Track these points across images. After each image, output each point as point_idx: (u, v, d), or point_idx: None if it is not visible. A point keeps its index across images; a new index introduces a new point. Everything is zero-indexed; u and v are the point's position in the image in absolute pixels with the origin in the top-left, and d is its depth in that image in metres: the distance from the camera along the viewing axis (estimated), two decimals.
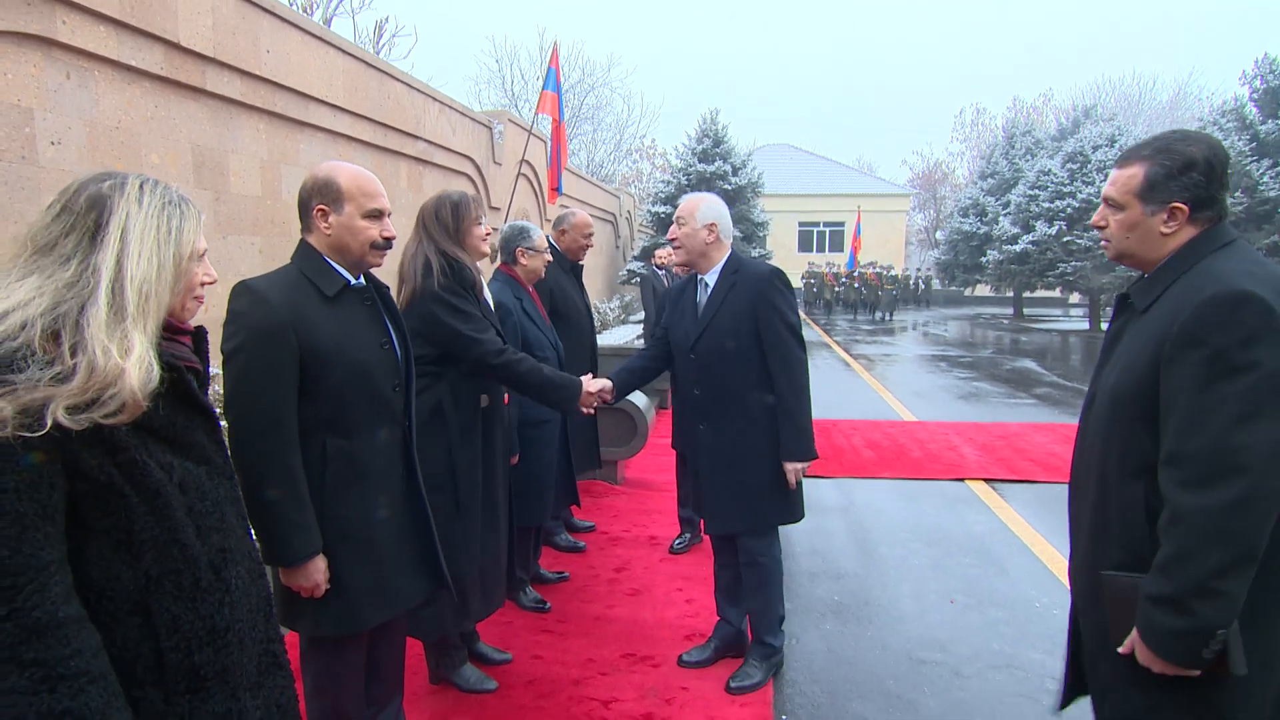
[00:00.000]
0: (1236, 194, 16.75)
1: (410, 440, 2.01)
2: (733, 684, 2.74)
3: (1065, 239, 18.70)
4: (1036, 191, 20.62)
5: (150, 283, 1.12)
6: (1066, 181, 19.77)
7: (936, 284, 29.80)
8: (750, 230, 20.10)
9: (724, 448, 2.71)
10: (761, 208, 20.85)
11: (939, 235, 33.88)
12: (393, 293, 2.13)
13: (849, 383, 10.22)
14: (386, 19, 25.29)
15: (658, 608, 3.41)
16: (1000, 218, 22.75)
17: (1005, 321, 21.86)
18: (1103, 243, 1.59)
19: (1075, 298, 25.85)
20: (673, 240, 2.82)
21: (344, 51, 5.56)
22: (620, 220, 18.95)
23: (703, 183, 19.32)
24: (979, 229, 24.98)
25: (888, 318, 21.59)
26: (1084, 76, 63.64)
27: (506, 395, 2.80)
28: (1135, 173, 1.47)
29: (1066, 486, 1.66)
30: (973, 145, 41.31)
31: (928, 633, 3.22)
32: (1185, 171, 1.43)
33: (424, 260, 2.45)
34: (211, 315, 1.92)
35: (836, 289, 23.56)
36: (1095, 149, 19.34)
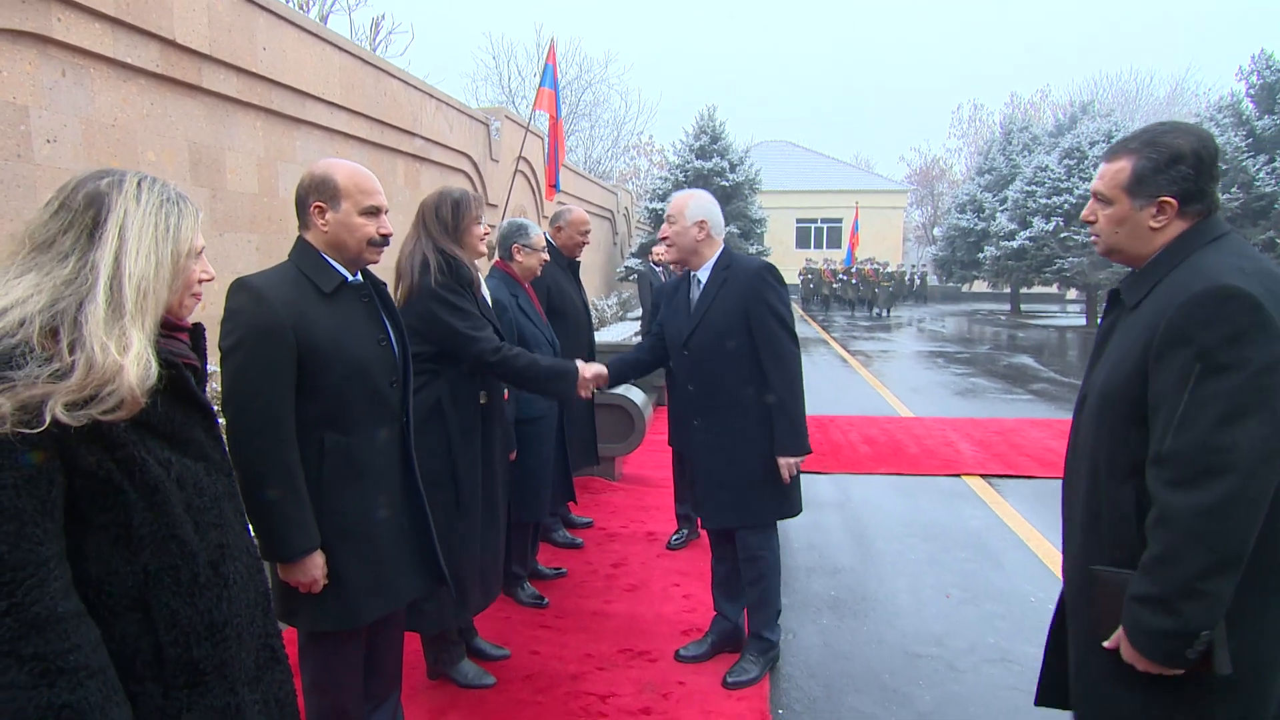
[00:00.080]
0: (1233, 189, 16.77)
1: (408, 437, 2.01)
2: (729, 679, 2.75)
3: (1062, 235, 18.72)
4: (1034, 187, 20.64)
5: (148, 280, 1.13)
6: (1064, 177, 19.80)
7: (934, 280, 29.82)
8: (748, 227, 20.10)
9: (719, 443, 2.73)
10: (759, 204, 20.85)
11: (936, 231, 33.89)
12: (390, 289, 2.14)
13: (846, 379, 10.24)
14: (383, 16, 25.28)
15: (655, 603, 3.42)
16: (997, 214, 22.77)
17: (1002, 317, 21.88)
18: (1092, 238, 1.56)
19: (1072, 293, 25.92)
20: (664, 239, 2.83)
21: (340, 49, 5.55)
22: (618, 217, 18.93)
23: (700, 179, 19.32)
24: (976, 225, 25.00)
25: (885, 314, 21.60)
26: (1082, 73, 63.69)
27: (506, 392, 2.81)
28: (1123, 166, 1.45)
29: (1061, 483, 1.66)
30: (970, 141, 41.32)
31: (923, 627, 3.24)
32: (1173, 164, 1.40)
33: (421, 257, 2.46)
34: (209, 313, 1.93)
35: (834, 285, 23.56)
36: (1092, 145, 19.35)
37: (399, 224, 1.94)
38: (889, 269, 23.64)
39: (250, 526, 1.43)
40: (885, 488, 5.25)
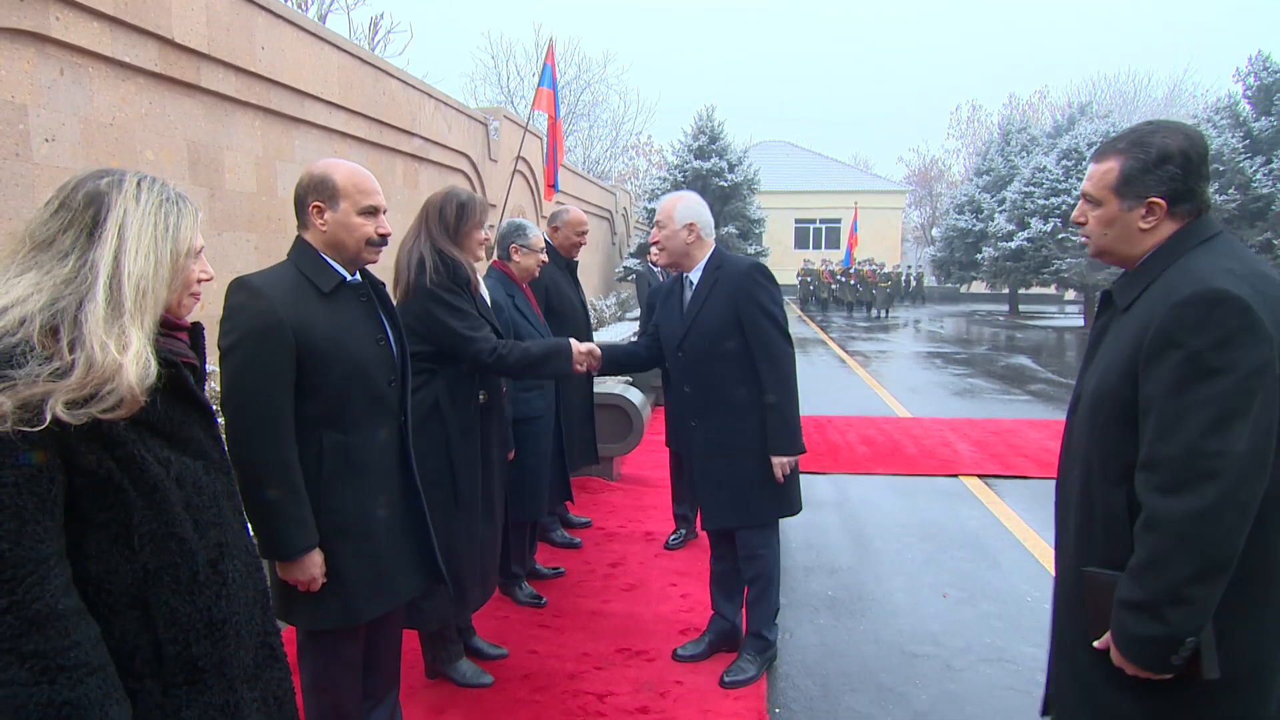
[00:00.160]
0: (1230, 191, 16.81)
1: (406, 436, 2.02)
2: (726, 678, 2.76)
3: (1060, 236, 18.75)
4: (1032, 188, 20.68)
5: (147, 279, 1.13)
6: (1061, 178, 19.84)
7: (932, 280, 29.85)
8: (746, 227, 20.11)
9: (716, 443, 2.73)
10: (758, 204, 20.86)
11: (935, 232, 33.95)
12: (389, 287, 2.14)
13: (844, 379, 10.25)
14: (382, 15, 25.27)
15: (653, 603, 3.43)
16: (995, 215, 22.80)
17: (1001, 318, 21.91)
18: (1083, 239, 1.54)
19: (1070, 294, 25.94)
20: (654, 243, 2.83)
21: (339, 48, 5.55)
22: (616, 217, 18.94)
23: (699, 179, 19.32)
24: (974, 226, 25.03)
25: (883, 315, 21.62)
26: (1080, 74, 63.81)
27: (505, 389, 2.82)
28: (1111, 167, 1.43)
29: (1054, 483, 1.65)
30: (969, 142, 41.37)
31: (920, 626, 3.25)
32: (1161, 165, 1.38)
33: (419, 256, 2.46)
34: (208, 312, 1.93)
35: (833, 286, 23.57)
36: (1090, 146, 19.39)
37: (397, 223, 1.95)
38: (885, 269, 23.66)
39: (249, 525, 1.44)
40: (883, 488, 5.26)
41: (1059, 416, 7.57)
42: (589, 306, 4.38)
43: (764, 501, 2.74)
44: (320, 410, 1.82)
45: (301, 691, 1.91)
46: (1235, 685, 1.31)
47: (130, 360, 1.06)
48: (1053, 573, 1.64)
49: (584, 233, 4.08)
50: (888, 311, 22.24)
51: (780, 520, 2.84)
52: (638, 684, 2.76)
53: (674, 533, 4.18)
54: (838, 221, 32.08)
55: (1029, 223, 20.11)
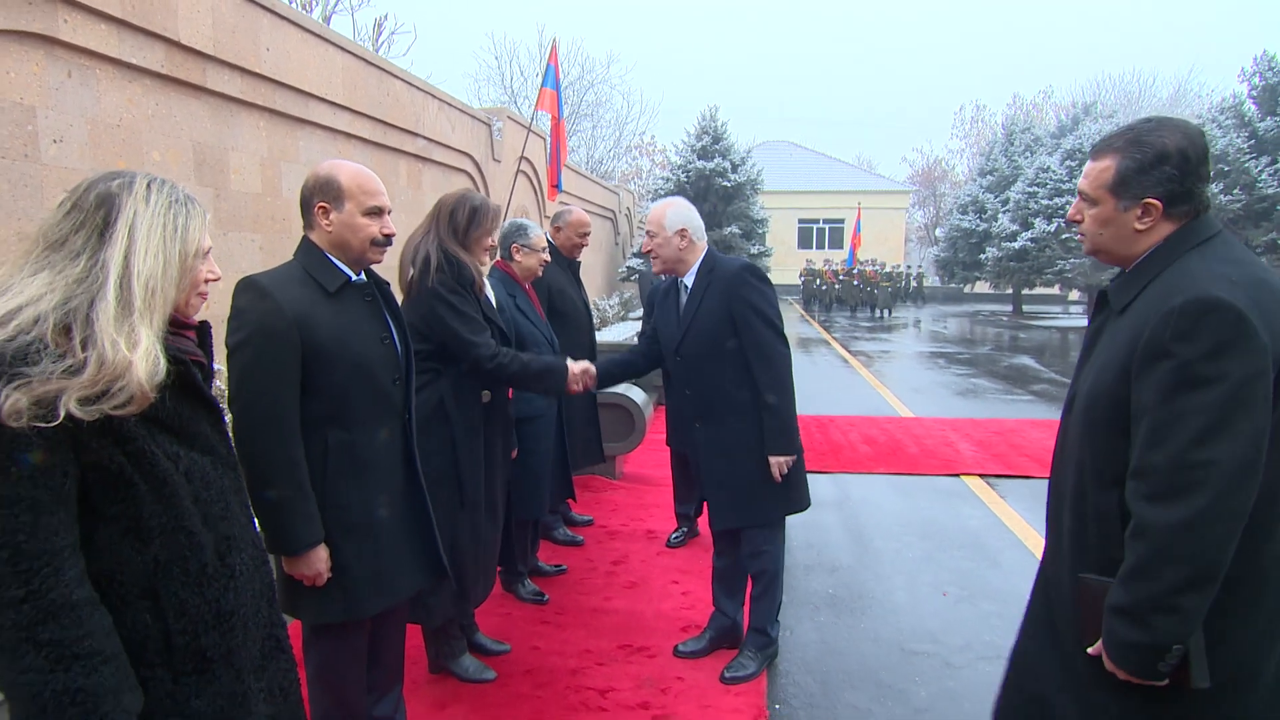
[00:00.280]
0: (1235, 191, 16.78)
1: (410, 433, 2.04)
2: (727, 674, 2.78)
3: (1064, 236, 18.76)
4: (1035, 189, 20.68)
5: (156, 278, 1.16)
6: (1065, 179, 19.83)
7: (935, 280, 29.82)
8: (749, 227, 20.11)
9: (719, 445, 2.75)
10: (761, 205, 20.86)
11: (938, 232, 33.91)
12: (394, 283, 2.17)
13: (847, 379, 10.26)
14: (386, 16, 25.27)
15: (654, 600, 3.45)
16: (999, 215, 22.80)
17: (1004, 319, 21.88)
18: (1079, 236, 1.52)
19: (1074, 295, 25.92)
20: (647, 251, 2.85)
21: (343, 49, 5.58)
22: (620, 217, 18.97)
23: (702, 179, 19.34)
24: (978, 226, 25.03)
25: (885, 315, 21.61)
26: (1085, 74, 63.58)
27: (510, 389, 2.85)
28: (1107, 166, 1.41)
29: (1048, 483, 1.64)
30: (972, 142, 41.32)
31: (920, 624, 3.27)
32: (1158, 165, 1.36)
33: (425, 255, 2.49)
34: (215, 311, 1.96)
35: (835, 286, 23.55)
36: None
37: (401, 224, 1.98)
38: (886, 269, 23.66)
39: (255, 520, 1.46)
40: (884, 487, 5.27)
41: None
42: (592, 306, 4.40)
43: (771, 500, 2.75)
44: (326, 408, 1.85)
45: (306, 684, 1.94)
46: (1226, 689, 1.31)
47: (140, 358, 1.09)
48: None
49: (586, 234, 4.11)
50: (889, 311, 22.24)
51: (788, 516, 2.85)
52: (639, 680, 2.78)
53: (676, 531, 4.20)
54: (841, 222, 32.06)
55: (1033, 223, 20.12)
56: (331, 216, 1.89)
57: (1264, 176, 17.11)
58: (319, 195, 1.90)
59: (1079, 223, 1.50)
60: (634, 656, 2.95)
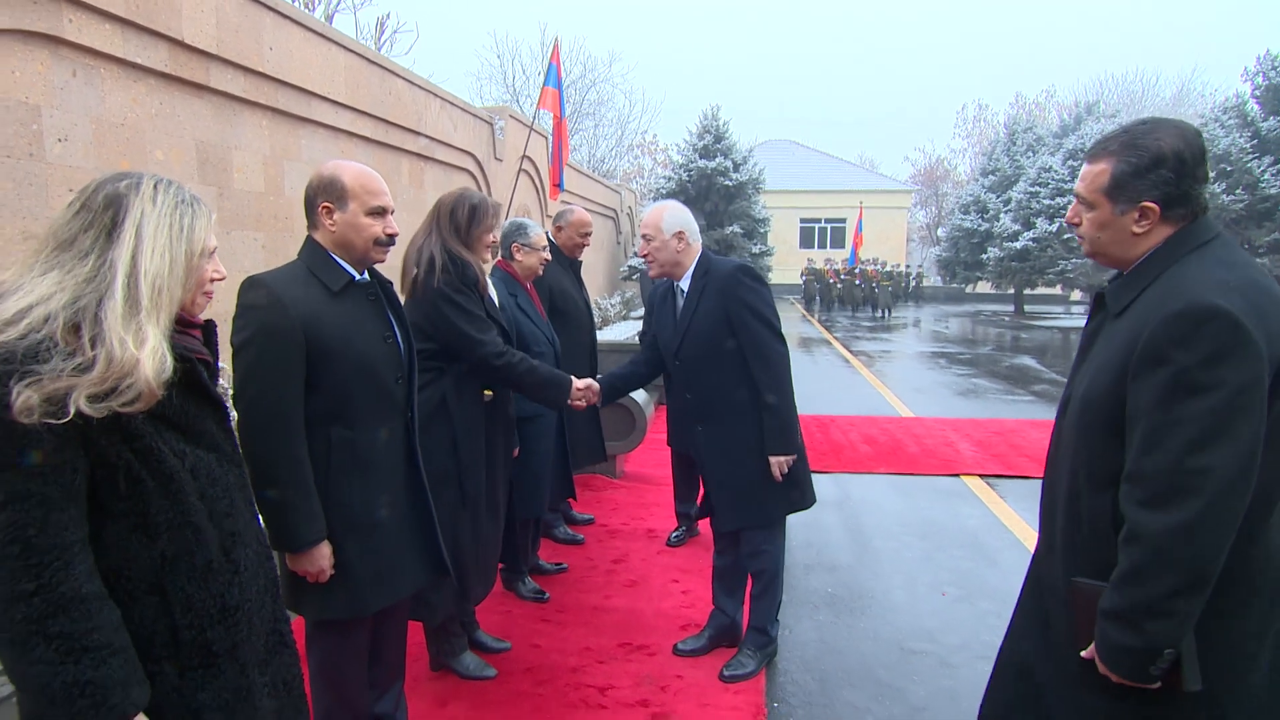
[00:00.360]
0: (1237, 191, 16.77)
1: (412, 432, 2.06)
2: (726, 672, 2.80)
3: (1066, 236, 18.75)
4: (1037, 188, 20.67)
5: (163, 277, 1.18)
6: (1067, 179, 19.82)
7: (937, 280, 29.80)
8: (751, 226, 20.11)
9: (722, 447, 2.76)
10: (763, 204, 20.86)
11: (940, 232, 33.87)
12: (396, 283, 2.18)
13: (848, 379, 10.27)
14: (388, 15, 25.37)
15: (654, 599, 3.47)
16: (1001, 215, 22.79)
17: (1006, 319, 21.86)
18: (1078, 238, 1.52)
19: (1076, 295, 25.89)
20: (644, 255, 2.85)
21: (346, 48, 5.60)
22: (622, 216, 18.98)
23: (704, 178, 19.35)
24: (980, 226, 25.01)
25: (886, 314, 21.60)
26: (1087, 73, 63.59)
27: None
28: (1103, 169, 1.40)
29: (1041, 483, 1.64)
30: (975, 142, 41.28)
31: (918, 623, 3.28)
32: (1154, 168, 1.35)
33: (429, 256, 2.50)
34: (219, 310, 1.98)
35: (837, 285, 23.54)
36: None
37: (403, 223, 1.99)
38: (886, 269, 23.64)
39: (259, 517, 1.48)
40: (884, 487, 5.29)
41: None
42: (593, 306, 4.41)
43: (775, 500, 2.76)
44: (329, 406, 1.87)
45: (309, 679, 1.96)
46: (1216, 691, 1.32)
47: (147, 356, 1.10)
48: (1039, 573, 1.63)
49: (588, 234, 4.12)
50: (889, 311, 22.23)
51: (793, 514, 2.86)
52: (638, 678, 2.80)
53: (676, 530, 4.22)
54: (843, 221, 32.03)
55: (1034, 223, 20.11)
56: (335, 216, 1.91)
57: (1267, 176, 17.09)
58: (323, 195, 1.92)
59: (1077, 225, 1.50)
60: (634, 654, 2.97)
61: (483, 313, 2.56)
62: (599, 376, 3.03)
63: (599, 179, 17.39)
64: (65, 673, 1.03)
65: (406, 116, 6.62)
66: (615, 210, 18.26)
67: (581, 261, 4.18)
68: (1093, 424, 1.40)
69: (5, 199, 3.21)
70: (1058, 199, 19.78)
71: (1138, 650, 1.29)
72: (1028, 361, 12.28)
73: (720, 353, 2.71)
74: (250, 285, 1.82)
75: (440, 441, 2.44)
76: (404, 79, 6.56)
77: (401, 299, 2.25)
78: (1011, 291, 24.37)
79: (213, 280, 1.33)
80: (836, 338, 15.55)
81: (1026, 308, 24.24)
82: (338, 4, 19.14)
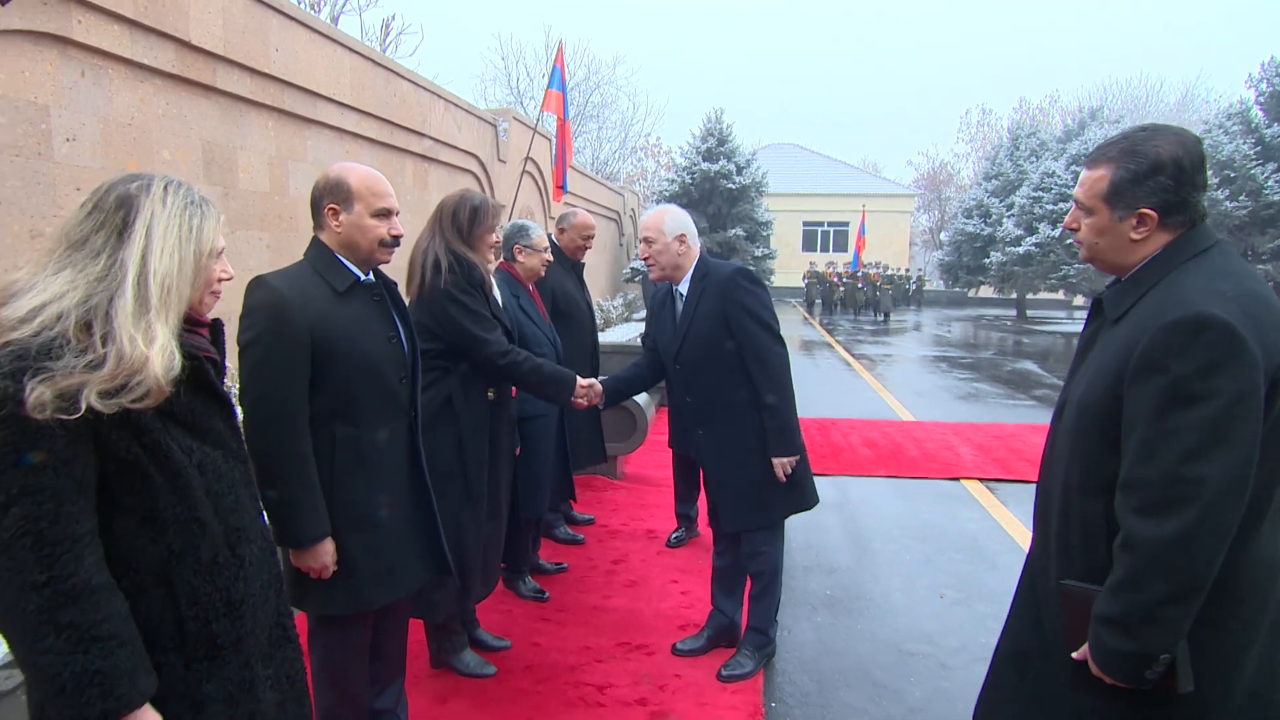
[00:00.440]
0: (1241, 197, 16.76)
1: (416, 431, 2.08)
2: (724, 672, 2.81)
3: (1068, 241, 18.71)
4: (1040, 193, 20.69)
5: (172, 277, 1.20)
6: (1070, 184, 19.80)
7: (940, 284, 29.78)
8: (754, 229, 20.15)
9: (723, 450, 2.78)
10: (766, 207, 20.91)
11: (943, 236, 33.89)
12: (401, 285, 2.21)
13: (849, 382, 10.29)
14: (393, 17, 25.37)
15: (653, 599, 3.49)
16: (1004, 219, 22.79)
17: (1008, 323, 21.86)
18: (1076, 243, 1.53)
19: (1079, 299, 25.87)
20: (645, 258, 2.87)
21: (351, 50, 5.63)
22: (624, 218, 19.02)
23: (707, 181, 19.39)
24: (983, 230, 25.01)
25: (887, 318, 21.61)
26: (1091, 79, 63.52)
27: (514, 388, 2.89)
28: (1102, 175, 1.41)
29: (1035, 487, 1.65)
30: (978, 147, 41.29)
31: (916, 626, 3.30)
32: (1152, 175, 1.36)
33: (434, 258, 2.52)
34: (226, 309, 2.00)
35: (840, 289, 23.54)
36: None
37: (407, 224, 2.02)
38: (888, 272, 23.63)
39: (264, 513, 1.50)
40: (884, 490, 5.30)
41: None
42: (595, 308, 4.43)
43: (778, 501, 2.78)
44: (333, 405, 1.89)
45: (311, 674, 1.98)
46: (1208, 694, 1.34)
47: (156, 353, 1.13)
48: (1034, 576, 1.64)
49: (590, 236, 4.14)
50: (889, 315, 22.24)
51: (796, 514, 2.88)
52: (637, 676, 2.82)
53: (676, 531, 4.24)
54: (845, 224, 32.04)
55: (1037, 228, 20.12)
56: (341, 218, 1.93)
57: (1270, 183, 17.10)
58: (329, 196, 1.94)
59: (1076, 230, 1.50)
60: (633, 654, 2.99)
61: (488, 312, 2.58)
62: (601, 379, 3.05)
63: (602, 181, 17.43)
64: (75, 662, 1.05)
65: (411, 118, 6.65)
66: (618, 212, 18.30)
67: (584, 263, 4.20)
68: (1088, 429, 1.41)
69: (14, 197, 3.24)
70: (1061, 204, 19.78)
71: (1133, 655, 1.30)
72: (1029, 366, 12.28)
73: (719, 355, 2.73)
74: (256, 285, 1.85)
75: (445, 440, 2.46)
76: (409, 81, 6.59)
77: (407, 301, 2.28)
78: (1014, 296, 24.38)
79: (220, 280, 1.36)
80: (838, 341, 15.55)
81: (1029, 312, 24.24)
82: (343, 5, 19.20)
